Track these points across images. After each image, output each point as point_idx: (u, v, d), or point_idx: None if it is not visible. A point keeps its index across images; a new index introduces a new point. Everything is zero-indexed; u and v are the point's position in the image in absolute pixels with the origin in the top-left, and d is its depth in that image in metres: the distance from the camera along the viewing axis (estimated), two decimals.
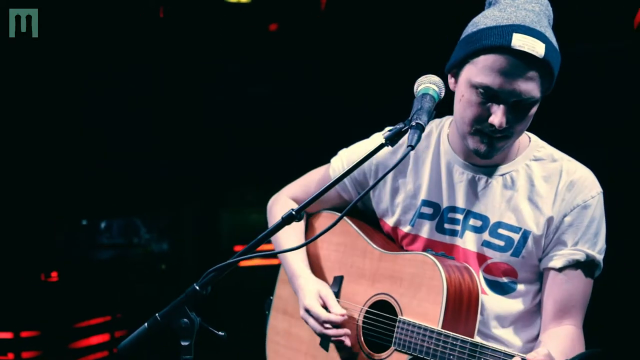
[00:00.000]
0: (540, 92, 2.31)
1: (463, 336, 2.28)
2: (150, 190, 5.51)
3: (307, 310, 2.64)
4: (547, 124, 2.65)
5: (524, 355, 2.15)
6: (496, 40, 2.26)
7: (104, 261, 5.73)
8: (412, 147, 2.13)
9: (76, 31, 4.78)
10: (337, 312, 2.59)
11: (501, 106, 2.28)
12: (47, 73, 4.92)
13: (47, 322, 5.18)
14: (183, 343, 1.96)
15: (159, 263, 5.74)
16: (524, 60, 2.25)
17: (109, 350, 5.39)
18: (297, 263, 2.77)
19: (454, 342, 2.28)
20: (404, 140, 2.19)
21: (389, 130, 2.20)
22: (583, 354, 2.06)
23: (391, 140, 2.18)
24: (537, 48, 2.24)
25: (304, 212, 2.10)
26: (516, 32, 2.25)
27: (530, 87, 2.27)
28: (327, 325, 2.59)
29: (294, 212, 2.05)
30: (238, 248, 5.53)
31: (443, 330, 2.32)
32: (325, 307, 2.63)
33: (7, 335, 5.08)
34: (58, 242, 5.60)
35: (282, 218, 2.06)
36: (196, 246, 5.68)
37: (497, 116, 2.29)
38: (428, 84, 2.26)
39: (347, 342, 2.58)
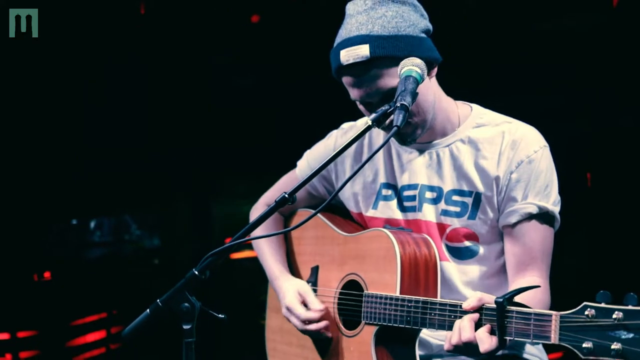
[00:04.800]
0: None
1: (415, 297, 2.40)
2: (139, 187, 5.53)
3: (288, 309, 2.76)
4: (525, 97, 2.68)
5: (461, 303, 2.23)
6: (334, 64, 2.46)
7: (97, 259, 5.75)
8: (398, 127, 2.22)
9: (76, 31, 4.78)
10: (315, 307, 2.71)
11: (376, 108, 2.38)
12: (47, 73, 4.92)
13: (43, 321, 5.20)
14: (185, 327, 2.03)
15: (152, 258, 5.77)
16: (358, 67, 2.40)
17: (106, 347, 5.42)
18: (275, 266, 2.92)
19: (409, 304, 2.40)
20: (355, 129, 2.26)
21: (375, 113, 2.30)
22: (518, 288, 2.16)
23: (377, 122, 2.29)
24: (361, 52, 2.38)
25: (295, 196, 2.17)
26: (342, 50, 2.42)
27: (381, 82, 2.40)
28: (308, 322, 2.70)
29: (286, 195, 2.12)
30: (229, 240, 5.55)
31: (400, 295, 2.44)
32: (305, 303, 2.74)
33: (4, 336, 5.09)
34: (49, 242, 5.61)
35: (276, 201, 2.13)
36: (188, 240, 5.71)
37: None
38: (411, 67, 2.33)
39: (328, 333, 2.71)
